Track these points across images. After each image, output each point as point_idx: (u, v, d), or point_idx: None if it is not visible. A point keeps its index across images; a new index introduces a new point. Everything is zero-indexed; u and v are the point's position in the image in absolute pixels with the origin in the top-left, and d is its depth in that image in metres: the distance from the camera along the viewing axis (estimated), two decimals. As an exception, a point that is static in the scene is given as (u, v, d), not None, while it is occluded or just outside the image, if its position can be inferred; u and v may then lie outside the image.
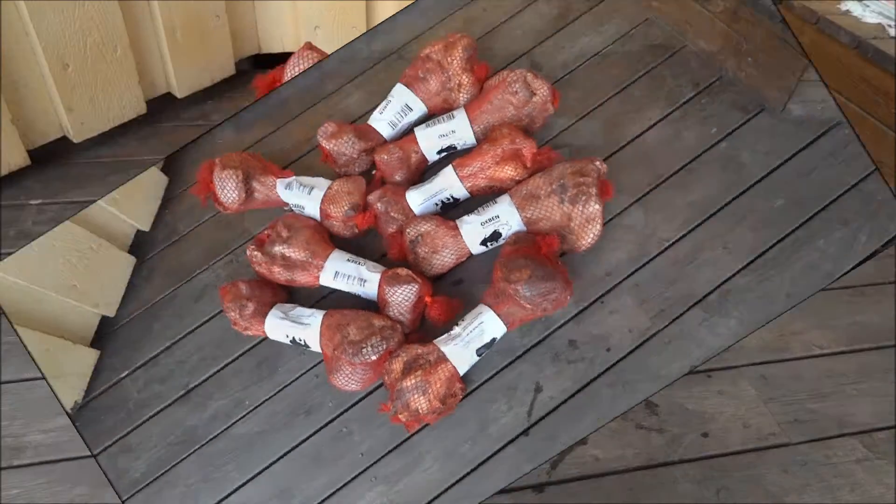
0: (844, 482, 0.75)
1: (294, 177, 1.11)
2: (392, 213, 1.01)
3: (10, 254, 0.98)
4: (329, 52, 1.33)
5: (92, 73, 1.13)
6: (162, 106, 1.34)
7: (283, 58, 1.30)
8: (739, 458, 0.78)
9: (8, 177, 1.09)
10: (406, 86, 1.17)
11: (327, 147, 1.11)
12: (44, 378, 0.80)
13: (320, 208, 1.07)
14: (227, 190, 1.08)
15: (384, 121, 1.17)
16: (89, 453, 0.73)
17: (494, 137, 1.02)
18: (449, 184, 1.04)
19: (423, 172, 1.04)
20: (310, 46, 1.21)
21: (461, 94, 1.15)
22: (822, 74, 1.26)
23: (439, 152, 1.10)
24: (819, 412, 0.84)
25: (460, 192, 1.02)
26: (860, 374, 0.90)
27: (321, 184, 1.09)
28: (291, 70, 1.21)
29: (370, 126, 1.16)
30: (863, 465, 0.78)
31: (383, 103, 1.20)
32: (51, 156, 1.18)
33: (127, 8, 1.16)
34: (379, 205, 1.01)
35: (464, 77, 1.15)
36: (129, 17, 1.17)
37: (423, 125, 1.15)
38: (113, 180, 1.15)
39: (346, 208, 1.03)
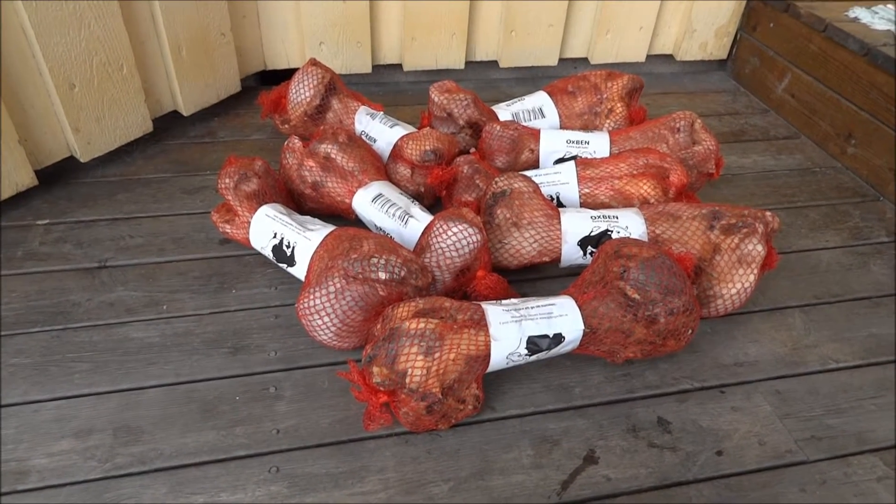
0: (865, 501, 0.73)
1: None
2: (477, 180, 0.85)
3: (16, 275, 0.97)
4: (333, 68, 1.32)
5: (98, 93, 1.14)
6: (168, 124, 1.35)
7: (288, 74, 1.31)
8: (755, 477, 0.76)
9: (15, 197, 1.09)
10: (548, 94, 1.10)
11: (438, 99, 0.99)
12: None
13: (396, 143, 0.94)
14: (303, 87, 0.98)
15: (508, 111, 1.08)
16: (94, 477, 0.72)
17: (640, 149, 0.84)
18: (563, 179, 0.83)
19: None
20: (314, 62, 1.21)
21: (608, 121, 1.03)
22: (832, 84, 1.25)
23: (558, 161, 0.95)
24: (837, 428, 0.82)
25: (571, 193, 0.83)
26: (879, 388, 0.88)
27: (407, 127, 0.99)
28: (296, 86, 1.21)
29: (490, 107, 1.06)
30: (884, 483, 0.75)
31: (513, 100, 1.12)
32: (58, 176, 1.18)
33: (133, 27, 1.16)
34: (466, 167, 0.86)
35: (618, 105, 1.05)
36: (135, 36, 1.18)
37: (553, 128, 1.02)
38: (120, 199, 1.15)
39: (427, 149, 0.89)
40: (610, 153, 0.97)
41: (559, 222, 0.74)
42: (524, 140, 0.96)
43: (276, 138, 1.36)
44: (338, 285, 0.65)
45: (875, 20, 1.39)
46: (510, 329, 0.62)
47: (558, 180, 0.89)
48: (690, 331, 0.74)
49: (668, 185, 0.84)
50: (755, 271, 0.75)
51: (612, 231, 0.74)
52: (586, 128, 1.07)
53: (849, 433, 0.81)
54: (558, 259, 0.78)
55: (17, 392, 0.81)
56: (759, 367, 0.90)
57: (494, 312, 0.62)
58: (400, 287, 0.66)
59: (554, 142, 0.97)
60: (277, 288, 0.98)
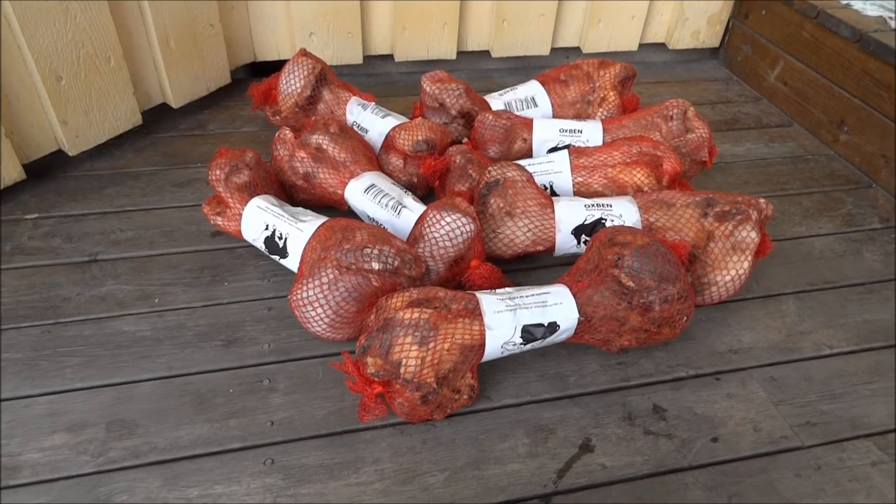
0: (860, 486, 0.73)
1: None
2: (470, 170, 0.85)
3: (5, 270, 0.96)
4: (324, 59, 1.31)
5: (86, 86, 1.12)
6: (157, 116, 1.33)
7: (278, 65, 1.30)
8: (751, 463, 0.76)
9: (3, 191, 1.08)
10: (541, 83, 1.10)
11: (430, 89, 0.99)
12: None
13: (388, 134, 0.94)
14: (294, 78, 0.98)
15: (500, 100, 1.08)
16: (87, 472, 0.72)
17: (633, 138, 0.84)
18: (556, 168, 0.82)
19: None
20: (305, 53, 1.20)
21: (600, 110, 1.03)
22: (824, 71, 1.25)
23: (551, 150, 0.96)
24: (831, 414, 0.82)
25: (565, 182, 0.83)
26: (872, 374, 0.88)
27: (399, 117, 0.99)
28: (287, 77, 1.20)
29: (482, 97, 1.07)
30: (878, 467, 0.76)
31: (506, 89, 1.12)
32: (46, 169, 1.17)
33: (120, 19, 1.15)
34: (458, 157, 0.87)
35: (611, 94, 1.05)
36: (122, 27, 1.16)
37: (546, 117, 1.02)
38: (110, 192, 1.14)
39: (419, 139, 0.90)
40: (603, 142, 0.96)
41: (553, 211, 0.74)
42: (517, 129, 0.96)
43: (266, 130, 1.35)
44: (331, 276, 0.65)
45: (867, 6, 1.38)
46: (505, 318, 0.63)
47: (552, 169, 0.89)
48: (685, 318, 0.74)
49: (662, 174, 0.84)
50: (749, 258, 0.75)
51: (606, 219, 0.74)
52: (579, 116, 1.07)
53: (843, 419, 0.82)
54: (552, 248, 0.78)
55: (8, 387, 0.80)
56: (754, 354, 0.90)
57: (489, 302, 0.62)
58: (393, 277, 0.66)
59: (547, 131, 0.97)
60: (270, 280, 0.97)
